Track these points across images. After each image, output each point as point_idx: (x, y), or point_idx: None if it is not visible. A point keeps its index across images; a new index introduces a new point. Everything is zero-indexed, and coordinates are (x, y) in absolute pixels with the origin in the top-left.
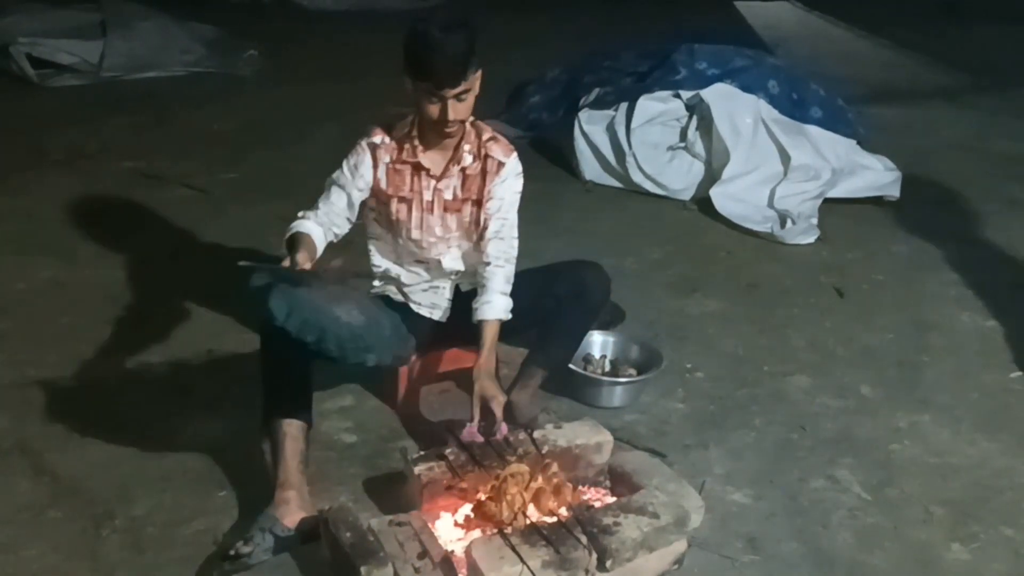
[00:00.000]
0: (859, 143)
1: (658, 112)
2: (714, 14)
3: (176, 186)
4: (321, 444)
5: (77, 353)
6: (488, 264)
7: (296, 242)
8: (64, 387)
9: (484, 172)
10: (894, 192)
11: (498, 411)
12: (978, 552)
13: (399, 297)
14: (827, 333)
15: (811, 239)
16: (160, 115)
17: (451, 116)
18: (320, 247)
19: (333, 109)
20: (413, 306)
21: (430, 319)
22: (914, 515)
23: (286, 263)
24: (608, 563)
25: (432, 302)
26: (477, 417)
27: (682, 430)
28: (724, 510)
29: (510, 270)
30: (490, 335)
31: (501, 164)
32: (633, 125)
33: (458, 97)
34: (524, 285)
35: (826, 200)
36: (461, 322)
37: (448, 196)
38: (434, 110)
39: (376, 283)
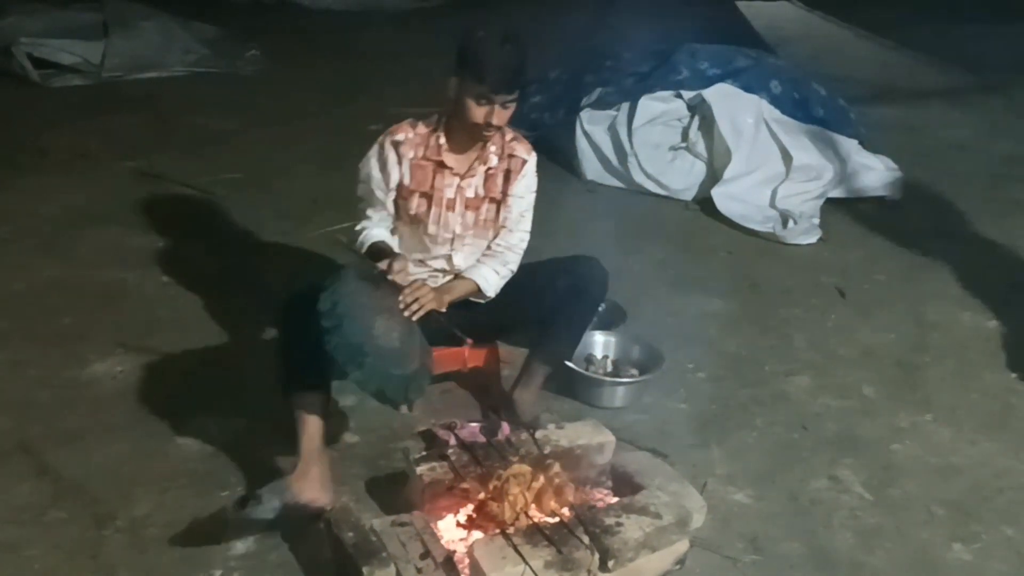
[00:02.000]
0: (861, 143)
1: (660, 112)
2: (715, 14)
3: (177, 186)
4: None
5: (78, 353)
6: (490, 248)
7: (382, 251)
8: (66, 387)
9: (508, 171)
10: (896, 192)
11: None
12: (980, 552)
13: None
14: (829, 333)
15: (813, 239)
16: (162, 115)
17: (495, 120)
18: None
19: (334, 108)
20: None
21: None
22: (916, 515)
23: (383, 265)
24: (610, 563)
25: None
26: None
27: (684, 430)
28: (726, 510)
29: (511, 257)
30: (462, 286)
31: (524, 162)
32: (635, 125)
33: (504, 104)
34: (522, 281)
35: (828, 200)
36: (462, 320)
37: (470, 194)
38: (480, 113)
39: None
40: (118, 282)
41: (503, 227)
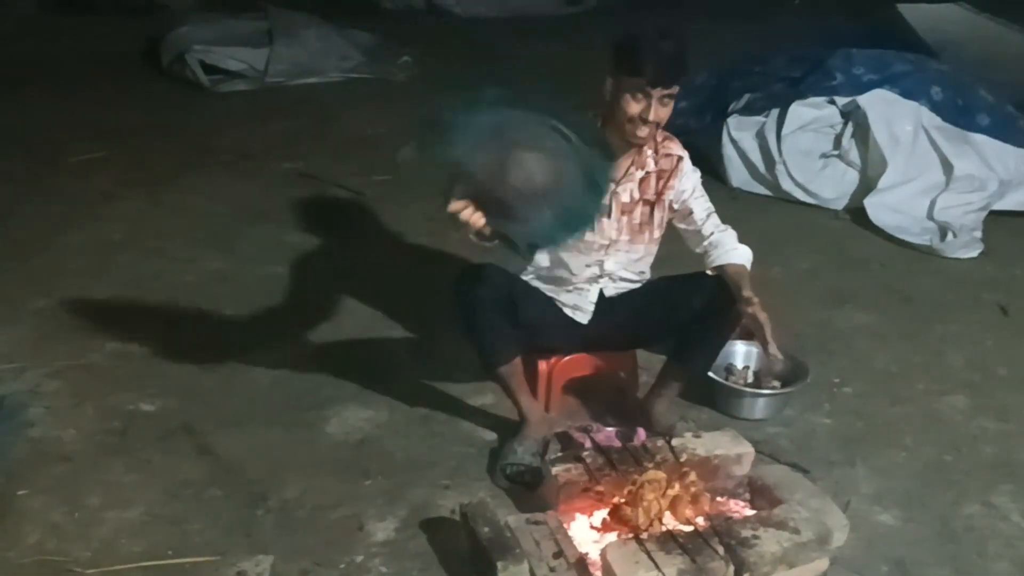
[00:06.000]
0: None
1: (811, 119)
2: (873, 17)
3: (332, 187)
4: (461, 441)
5: (239, 341)
6: (711, 235)
7: None
8: (226, 373)
9: (663, 172)
10: None
11: (771, 339)
12: None
13: (548, 291)
14: (988, 352)
15: (974, 253)
16: (319, 119)
17: (652, 116)
18: None
19: None
20: (559, 303)
21: (572, 319)
22: None
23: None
24: None
25: (575, 303)
26: (774, 349)
27: (827, 446)
28: (870, 531)
29: (732, 232)
30: (743, 274)
31: (680, 159)
32: (784, 132)
33: (662, 100)
34: (662, 295)
35: (993, 213)
36: (602, 326)
37: (625, 199)
38: (636, 107)
39: (527, 273)
40: (275, 276)
41: (699, 230)
